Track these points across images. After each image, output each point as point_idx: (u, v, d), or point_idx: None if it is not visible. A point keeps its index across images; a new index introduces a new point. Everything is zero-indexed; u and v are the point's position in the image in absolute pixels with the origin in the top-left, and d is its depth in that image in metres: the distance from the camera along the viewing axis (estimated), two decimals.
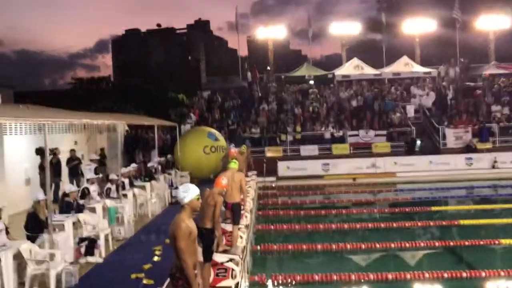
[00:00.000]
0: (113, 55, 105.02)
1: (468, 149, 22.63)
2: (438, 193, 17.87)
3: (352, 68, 29.92)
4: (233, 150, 14.00)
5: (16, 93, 32.57)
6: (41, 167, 14.82)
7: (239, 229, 8.98)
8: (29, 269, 7.24)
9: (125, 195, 12.66)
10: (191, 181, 14.70)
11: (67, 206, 9.80)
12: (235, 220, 8.71)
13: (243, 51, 66.43)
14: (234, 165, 9.20)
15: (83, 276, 8.29)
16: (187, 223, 5.02)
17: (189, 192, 5.18)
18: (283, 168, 21.64)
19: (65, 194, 10.02)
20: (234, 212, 8.80)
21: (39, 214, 8.55)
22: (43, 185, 12.17)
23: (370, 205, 16.38)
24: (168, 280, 5.39)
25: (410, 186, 18.99)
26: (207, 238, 6.76)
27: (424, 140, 23.82)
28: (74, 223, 9.50)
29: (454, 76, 29.36)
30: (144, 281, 7.82)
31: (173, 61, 76.01)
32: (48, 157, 14.03)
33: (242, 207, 9.52)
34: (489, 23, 31.50)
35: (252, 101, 27.93)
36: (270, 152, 23.52)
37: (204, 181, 16.17)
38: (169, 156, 20.58)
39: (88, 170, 14.27)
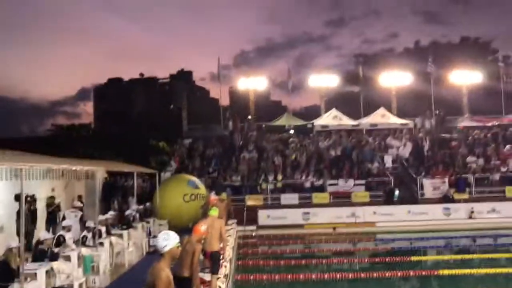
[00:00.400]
0: (95, 103, 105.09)
1: (446, 199, 22.95)
2: (417, 243, 17.88)
3: (331, 118, 30.53)
4: (213, 197, 13.95)
5: None
6: (19, 214, 14.47)
7: (218, 278, 8.82)
8: None
9: (101, 243, 12.39)
10: (170, 229, 14.48)
11: (40, 253, 9.53)
12: (214, 269, 8.57)
13: (224, 101, 67.38)
14: (214, 212, 9.15)
15: None
16: (167, 272, 4.95)
17: (169, 240, 5.12)
18: (263, 216, 21.54)
19: (39, 242, 9.77)
20: (213, 260, 8.66)
21: (11, 263, 8.30)
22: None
23: (350, 254, 16.31)
24: None
25: (390, 236, 19.01)
26: (184, 286, 6.62)
27: (402, 190, 24.09)
28: (47, 272, 9.21)
29: (430, 128, 30.16)
30: None
31: (155, 110, 76.43)
32: (24, 205, 13.86)
33: (221, 255, 9.39)
34: (462, 78, 32.88)
35: (233, 149, 28.08)
36: (251, 201, 23.44)
37: (183, 230, 15.92)
38: (147, 204, 20.32)
39: (73, 216, 13.98)
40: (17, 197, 14.79)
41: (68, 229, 11.45)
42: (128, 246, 14.00)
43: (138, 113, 77.02)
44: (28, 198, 15.57)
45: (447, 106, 34.49)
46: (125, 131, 39.39)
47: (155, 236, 16.26)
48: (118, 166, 20.00)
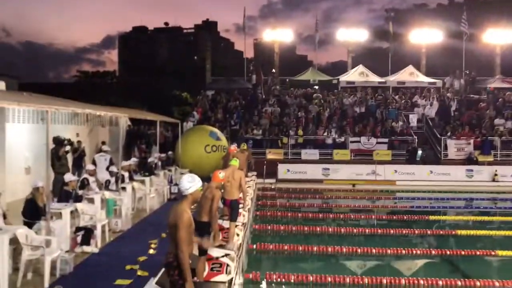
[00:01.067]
0: (120, 51, 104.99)
1: (469, 161, 22.62)
2: (437, 203, 17.81)
3: (357, 74, 29.98)
4: (234, 147, 13.96)
5: (21, 84, 32.58)
6: (58, 157, 14.95)
7: (236, 226, 8.97)
8: (25, 254, 7.24)
9: (124, 188, 12.67)
10: None
11: (65, 195, 9.80)
12: (233, 217, 8.70)
13: (249, 53, 66.66)
14: (234, 162, 9.20)
15: (78, 265, 8.29)
16: (189, 214, 5.04)
17: (194, 183, 5.20)
18: (283, 170, 21.65)
19: (64, 183, 10.03)
20: (232, 209, 8.79)
21: (37, 201, 8.56)
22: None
23: (368, 211, 16.37)
24: (162, 270, 5.38)
25: (409, 195, 18.98)
26: (203, 232, 6.76)
27: (425, 150, 23.80)
28: (71, 212, 9.51)
29: (459, 88, 29.39)
30: (139, 273, 7.82)
31: (178, 60, 76.05)
32: (63, 148, 14.32)
33: (240, 204, 9.52)
34: (496, 37, 31.57)
35: (256, 103, 27.96)
36: (271, 155, 23.55)
37: (203, 180, 16.15)
38: (170, 153, 20.60)
39: (103, 160, 14.30)
40: (55, 140, 15.32)
41: (90, 173, 11.71)
42: (150, 192, 14.30)
43: (162, 62, 76.88)
44: (65, 142, 16.01)
45: (479, 66, 33.45)
46: (148, 80, 39.42)
47: (176, 184, 16.58)
48: (141, 114, 20.17)
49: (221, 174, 7.54)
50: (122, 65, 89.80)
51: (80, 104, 13.25)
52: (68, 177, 10.24)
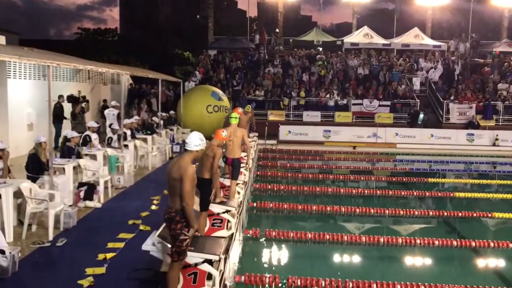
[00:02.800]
0: (121, 9, 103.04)
1: (471, 125, 22.62)
2: (436, 166, 17.96)
3: (361, 36, 29.57)
4: (240, 110, 13.86)
5: (21, 40, 32.23)
6: (74, 115, 15.09)
7: (237, 184, 9.09)
8: (29, 207, 7.38)
9: (126, 146, 12.78)
10: None
11: (68, 150, 9.89)
12: (234, 176, 8.79)
13: (252, 12, 65.41)
14: (234, 120, 9.20)
15: (81, 219, 8.46)
16: (193, 168, 5.15)
17: (203, 141, 5.38)
18: (284, 132, 21.69)
19: (67, 139, 10.09)
20: (233, 167, 8.86)
21: (40, 156, 8.65)
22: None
23: (368, 173, 16.50)
24: (163, 225, 5.50)
25: (409, 158, 19.05)
26: (205, 188, 6.85)
27: (427, 114, 23.76)
28: (74, 168, 9.62)
29: (464, 52, 29.01)
30: (141, 227, 7.99)
31: (181, 18, 74.69)
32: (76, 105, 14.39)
33: (242, 163, 9.60)
34: None
35: (258, 64, 27.70)
36: (273, 116, 23.56)
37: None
38: (171, 112, 20.62)
39: (111, 115, 14.36)
40: (70, 98, 15.47)
41: (93, 130, 11.76)
42: (152, 150, 14.41)
43: (164, 21, 75.53)
44: (80, 99, 16.11)
45: (486, 30, 32.88)
46: (150, 38, 38.91)
47: (178, 143, 16.70)
48: (143, 72, 20.05)
49: (223, 133, 7.58)
50: (124, 23, 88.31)
51: (81, 61, 13.18)
52: (70, 133, 10.30)
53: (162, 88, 21.54)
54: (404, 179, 14.77)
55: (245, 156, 10.33)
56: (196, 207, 6.41)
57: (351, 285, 6.72)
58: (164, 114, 19.31)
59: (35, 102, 14.76)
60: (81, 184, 9.33)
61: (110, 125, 13.40)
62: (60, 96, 15.45)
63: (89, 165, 10.02)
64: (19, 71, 14.42)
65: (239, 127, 9.44)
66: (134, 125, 14.66)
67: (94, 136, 11.67)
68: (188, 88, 23.43)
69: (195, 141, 5.29)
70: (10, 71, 13.93)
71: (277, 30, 32.61)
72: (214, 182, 7.15)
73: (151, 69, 28.01)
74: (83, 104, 16.16)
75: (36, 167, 8.49)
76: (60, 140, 12.38)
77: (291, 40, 31.09)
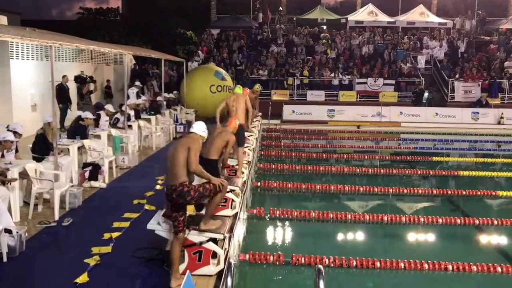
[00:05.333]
0: None
1: (477, 103, 22.44)
2: (441, 145, 17.91)
3: (366, 14, 29.21)
4: (248, 91, 13.68)
5: (23, 20, 31.98)
6: (81, 95, 15.12)
7: (244, 151, 9.15)
8: (34, 188, 7.44)
9: (130, 126, 12.78)
10: (197, 119, 14.67)
11: (79, 129, 9.87)
12: (239, 142, 8.77)
13: None
14: (238, 90, 9.24)
15: (86, 199, 8.53)
16: (200, 144, 5.39)
17: (206, 132, 5.61)
18: (288, 111, 21.62)
19: (80, 118, 10.10)
20: (238, 134, 8.86)
21: (48, 136, 8.67)
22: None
23: (371, 152, 16.50)
24: (168, 204, 5.53)
25: (414, 136, 19.02)
26: (209, 168, 6.87)
27: (432, 92, 23.60)
28: (79, 148, 9.66)
29: (469, 29, 28.65)
30: (146, 207, 8.05)
31: None
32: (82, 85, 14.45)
33: (247, 134, 9.65)
34: None
35: (262, 43, 27.47)
36: (277, 96, 23.47)
37: (209, 120, 16.23)
38: (175, 92, 20.55)
39: (131, 93, 14.43)
40: (78, 78, 15.49)
41: (108, 113, 11.91)
42: (156, 130, 14.42)
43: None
44: (88, 79, 16.12)
45: (492, 6, 32.35)
46: (152, 18, 38.52)
47: (182, 123, 16.70)
48: (146, 51, 19.93)
49: (237, 123, 7.67)
50: (126, 2, 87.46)
51: (84, 41, 13.10)
52: (85, 114, 10.27)
53: (165, 68, 21.43)
54: (408, 158, 14.76)
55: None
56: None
57: (354, 263, 6.77)
58: (167, 94, 19.25)
59: (38, 83, 14.75)
60: (85, 165, 9.37)
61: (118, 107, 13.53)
62: (64, 76, 15.39)
63: (94, 145, 10.05)
64: (22, 52, 14.37)
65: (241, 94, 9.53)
66: (141, 106, 14.64)
67: (106, 118, 11.73)
68: (191, 68, 23.32)
69: (202, 128, 5.50)
70: (12, 51, 13.88)
71: (281, 8, 32.24)
72: (224, 165, 7.26)
73: (153, 49, 27.83)
74: (91, 87, 16.14)
75: (43, 147, 8.51)
76: (69, 119, 12.45)
77: (294, 19, 30.78)
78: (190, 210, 5.93)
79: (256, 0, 32.83)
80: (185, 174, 5.12)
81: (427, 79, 24.64)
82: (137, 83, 16.05)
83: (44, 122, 8.75)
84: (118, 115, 12.70)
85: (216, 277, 5.32)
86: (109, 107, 12.16)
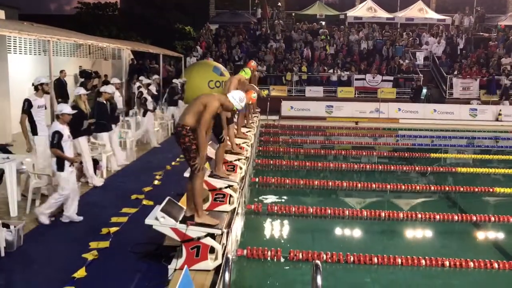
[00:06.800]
0: None
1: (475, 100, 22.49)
2: (439, 141, 17.96)
3: (365, 10, 29.18)
4: (254, 64, 13.19)
5: (21, 15, 31.87)
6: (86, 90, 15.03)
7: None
8: (32, 182, 7.42)
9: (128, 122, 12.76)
10: None
11: (98, 107, 9.83)
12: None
13: None
14: (247, 74, 9.33)
15: (84, 194, 8.50)
16: (219, 106, 5.51)
17: (242, 103, 5.84)
18: (286, 107, 21.63)
19: (99, 93, 10.10)
20: None
21: (81, 106, 8.64)
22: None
23: (370, 148, 16.51)
24: (166, 199, 5.53)
25: (412, 133, 19.03)
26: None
27: (430, 89, 23.63)
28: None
29: (468, 26, 28.64)
30: (144, 202, 8.05)
31: None
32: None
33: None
34: None
35: (260, 38, 27.43)
36: (275, 91, 23.45)
37: None
38: (184, 79, 20.42)
39: (136, 88, 14.47)
40: (82, 73, 15.40)
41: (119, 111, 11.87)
42: (154, 126, 14.37)
43: None
44: (93, 75, 16.06)
45: (491, 3, 32.33)
46: (150, 13, 38.43)
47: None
48: (144, 46, 19.88)
49: (254, 95, 7.76)
50: None
51: (82, 36, 13.05)
52: (104, 88, 10.24)
53: (163, 63, 21.37)
54: (406, 154, 14.77)
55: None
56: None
57: (352, 258, 6.79)
58: (182, 80, 19.15)
59: (36, 77, 14.65)
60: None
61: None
62: (62, 71, 15.33)
63: (97, 141, 10.03)
64: (20, 46, 14.32)
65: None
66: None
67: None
68: (190, 63, 23.26)
69: (235, 95, 5.73)
70: (10, 46, 13.82)
71: (279, 3, 32.19)
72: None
73: (152, 44, 27.75)
74: (95, 82, 16.08)
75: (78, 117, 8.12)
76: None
77: (293, 14, 30.74)
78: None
79: None
80: (191, 121, 5.30)
81: (426, 76, 24.65)
82: (142, 78, 15.96)
83: (75, 94, 8.76)
84: (145, 94, 12.76)
85: (214, 272, 5.32)
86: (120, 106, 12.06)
